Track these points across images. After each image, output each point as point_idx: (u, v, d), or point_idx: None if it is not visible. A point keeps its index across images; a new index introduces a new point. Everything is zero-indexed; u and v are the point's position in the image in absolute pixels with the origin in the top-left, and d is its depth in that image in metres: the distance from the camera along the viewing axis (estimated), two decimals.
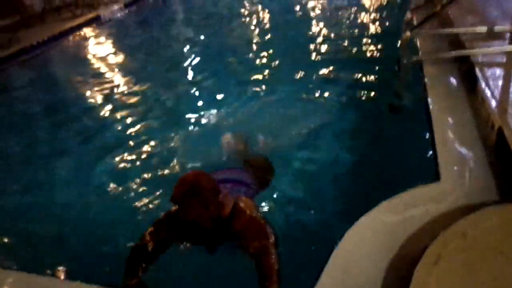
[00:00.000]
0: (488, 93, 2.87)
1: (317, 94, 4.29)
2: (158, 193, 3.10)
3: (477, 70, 3.22)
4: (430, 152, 2.56)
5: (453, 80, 3.40)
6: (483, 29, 3.79)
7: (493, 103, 2.72)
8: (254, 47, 6.46)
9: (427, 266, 1.68)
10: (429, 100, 3.13)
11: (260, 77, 5.15)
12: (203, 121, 4.30)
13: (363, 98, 4.00)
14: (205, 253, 2.22)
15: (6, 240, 2.91)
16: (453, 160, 2.44)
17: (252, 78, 5.11)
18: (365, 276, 1.82)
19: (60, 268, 2.47)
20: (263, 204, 2.65)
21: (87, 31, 8.47)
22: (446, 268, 1.66)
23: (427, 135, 2.78)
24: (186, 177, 2.09)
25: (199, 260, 2.32)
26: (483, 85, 2.98)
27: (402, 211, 2.15)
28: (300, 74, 4.90)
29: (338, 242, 1.99)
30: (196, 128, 4.21)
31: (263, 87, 4.84)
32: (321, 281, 1.81)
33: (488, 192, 2.18)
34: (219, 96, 4.86)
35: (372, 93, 4.05)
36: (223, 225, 2.12)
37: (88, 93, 5.63)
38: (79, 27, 8.48)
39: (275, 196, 2.80)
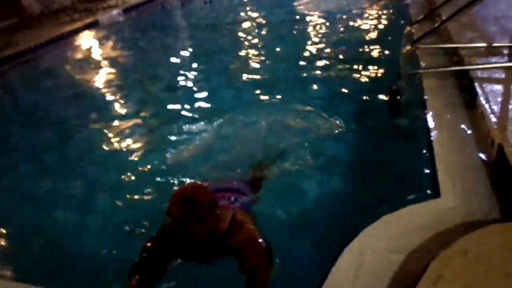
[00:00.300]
0: (487, 109, 2.86)
1: (315, 107, 4.25)
2: (156, 203, 3.04)
3: (476, 85, 3.21)
4: (430, 168, 2.53)
5: (453, 95, 3.39)
6: (482, 44, 3.82)
7: (493, 119, 2.71)
8: (252, 56, 6.46)
9: (427, 286, 1.64)
10: (429, 115, 3.12)
11: (257, 87, 5.13)
12: (201, 128, 4.27)
13: (362, 111, 3.97)
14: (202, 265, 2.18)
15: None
16: (453, 177, 2.41)
17: (249, 87, 5.12)
18: None
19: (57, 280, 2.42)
20: (261, 215, 2.60)
21: (85, 36, 8.46)
22: (447, 287, 1.63)
23: (427, 151, 2.76)
24: (183, 190, 2.05)
25: (196, 271, 2.27)
26: (482, 101, 2.97)
27: (402, 227, 2.11)
28: (298, 85, 4.90)
29: (337, 258, 1.95)
30: (194, 135, 4.15)
31: (261, 97, 4.82)
32: None
33: (488, 209, 2.15)
34: (217, 103, 4.85)
35: (371, 107, 4.03)
36: (220, 239, 2.07)
37: (84, 97, 5.61)
38: (77, 31, 8.49)
39: (272, 209, 2.75)
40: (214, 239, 2.04)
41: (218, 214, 2.06)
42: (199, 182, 2.79)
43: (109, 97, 5.53)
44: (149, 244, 2.17)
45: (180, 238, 2.03)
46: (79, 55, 7.54)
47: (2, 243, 2.97)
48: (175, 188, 3.15)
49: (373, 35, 6.61)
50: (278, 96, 4.68)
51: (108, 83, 6.02)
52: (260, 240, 2.11)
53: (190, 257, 2.21)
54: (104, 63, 7.02)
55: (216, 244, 2.08)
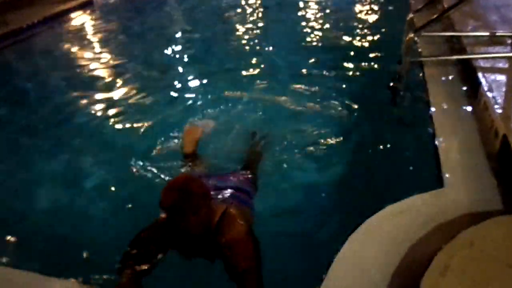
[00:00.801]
0: (491, 99, 2.83)
1: (314, 95, 4.21)
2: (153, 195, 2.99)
3: (479, 75, 3.18)
4: (433, 158, 2.51)
5: (455, 84, 3.37)
6: (485, 33, 3.78)
7: (497, 110, 2.68)
8: (251, 42, 6.36)
9: (434, 277, 1.63)
10: (431, 104, 3.09)
11: (256, 74, 5.07)
12: (196, 113, 4.21)
13: (362, 101, 3.92)
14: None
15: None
16: (457, 167, 2.40)
17: (247, 75, 5.02)
18: (369, 283, 1.77)
19: (51, 266, 2.38)
20: (259, 209, 2.56)
21: (79, 15, 8.28)
22: (454, 279, 1.61)
23: (429, 140, 2.73)
24: (175, 181, 2.01)
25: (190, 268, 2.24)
26: (486, 91, 2.95)
27: (406, 217, 2.10)
28: (298, 75, 4.81)
29: (340, 248, 1.93)
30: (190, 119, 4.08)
31: (259, 84, 4.74)
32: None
33: (492, 200, 2.14)
34: (212, 87, 4.78)
35: (372, 95, 3.98)
36: (211, 234, 2.02)
37: (77, 79, 5.51)
38: (71, 10, 8.29)
39: (273, 199, 2.73)
40: (205, 233, 2.00)
41: (211, 207, 2.02)
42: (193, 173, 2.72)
43: (103, 78, 5.43)
44: (140, 235, 2.11)
45: (172, 231, 1.99)
46: (72, 35, 7.37)
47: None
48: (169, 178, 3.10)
49: (373, 21, 6.54)
50: (277, 83, 4.62)
51: (102, 64, 5.90)
52: (249, 241, 2.03)
53: (183, 251, 2.16)
54: (98, 43, 6.89)
55: (207, 239, 2.03)
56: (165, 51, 6.26)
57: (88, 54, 6.36)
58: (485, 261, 1.68)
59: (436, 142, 2.63)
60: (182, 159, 3.17)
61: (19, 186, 3.35)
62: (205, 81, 5.01)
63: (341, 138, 3.36)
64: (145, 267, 2.01)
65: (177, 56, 6.15)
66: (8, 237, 2.76)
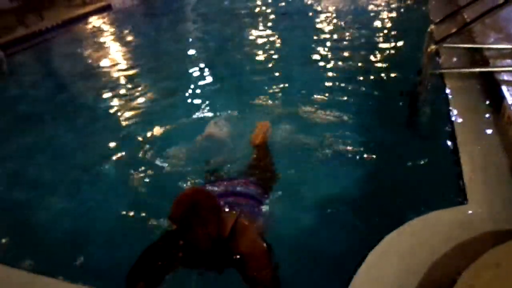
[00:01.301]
0: None
1: (330, 105, 4.14)
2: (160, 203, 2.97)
3: (503, 88, 3.12)
4: (455, 173, 2.45)
5: (477, 97, 3.30)
6: (508, 46, 3.72)
7: None
8: (266, 49, 6.35)
9: None
10: (453, 117, 3.03)
11: (271, 81, 5.02)
12: (208, 119, 4.19)
13: (381, 113, 3.84)
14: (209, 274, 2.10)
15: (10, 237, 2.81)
16: (480, 183, 2.33)
17: (262, 82, 4.97)
18: None
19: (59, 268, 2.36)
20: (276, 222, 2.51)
21: (97, 19, 8.37)
22: None
23: (451, 155, 2.67)
24: (184, 194, 1.99)
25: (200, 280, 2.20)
26: (510, 104, 2.89)
27: (427, 233, 2.04)
28: (312, 85, 4.75)
29: (360, 264, 1.89)
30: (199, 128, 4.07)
31: (274, 93, 4.71)
32: None
33: None
34: (225, 95, 4.77)
35: (391, 108, 3.90)
36: (223, 246, 1.99)
37: (94, 81, 5.57)
38: (89, 14, 8.40)
39: (289, 212, 2.67)
40: (215, 246, 1.97)
41: (221, 220, 1.99)
42: (204, 184, 2.68)
43: (118, 81, 5.49)
44: (150, 250, 2.08)
45: (182, 245, 1.97)
46: (90, 39, 7.47)
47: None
48: (181, 184, 3.09)
49: (392, 32, 6.48)
50: (291, 93, 4.60)
51: (118, 69, 5.97)
52: (264, 251, 2.01)
53: (193, 265, 2.12)
54: (115, 47, 6.96)
55: (218, 252, 2.00)
56: (180, 56, 6.30)
57: (105, 58, 6.43)
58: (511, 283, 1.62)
59: (458, 156, 2.56)
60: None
61: (26, 185, 3.38)
62: (218, 86, 5.02)
63: (360, 151, 3.29)
64: (154, 283, 1.99)
65: (191, 60, 6.18)
66: (13, 238, 2.77)
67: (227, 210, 2.18)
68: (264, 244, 2.05)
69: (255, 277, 1.92)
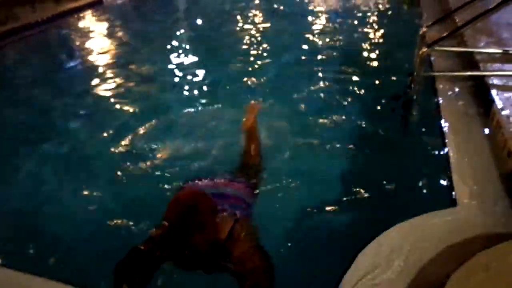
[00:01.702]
0: (504, 118, 2.80)
1: (321, 108, 4.14)
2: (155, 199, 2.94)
3: (492, 92, 3.15)
4: (445, 176, 2.47)
5: (467, 101, 3.33)
6: (498, 50, 3.76)
7: (510, 129, 2.65)
8: (259, 47, 6.34)
9: None
10: (443, 121, 3.05)
11: (263, 82, 5.00)
12: (198, 117, 4.18)
13: (372, 115, 3.84)
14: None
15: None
16: (470, 186, 2.35)
17: (254, 82, 4.94)
18: None
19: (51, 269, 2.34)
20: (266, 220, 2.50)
21: (89, 14, 8.29)
22: None
23: (441, 158, 2.69)
24: (183, 196, 1.95)
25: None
26: (499, 109, 2.91)
27: (416, 236, 2.05)
28: (303, 82, 4.75)
29: (348, 267, 1.88)
30: (192, 125, 4.05)
31: (264, 91, 4.69)
32: None
33: (505, 221, 2.10)
34: (216, 92, 4.75)
35: (381, 109, 3.92)
36: (219, 250, 1.96)
37: (84, 75, 5.54)
38: (81, 9, 8.29)
39: (279, 212, 2.67)
40: (211, 250, 1.93)
41: (217, 224, 1.96)
42: (198, 183, 2.62)
43: (109, 76, 5.40)
44: (139, 247, 2.03)
45: (175, 246, 1.91)
46: (81, 34, 7.37)
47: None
48: (171, 182, 3.07)
49: (384, 35, 6.50)
50: (281, 92, 4.58)
51: (109, 63, 5.90)
52: (260, 256, 1.99)
53: (185, 265, 2.07)
54: (107, 41, 6.88)
55: (214, 256, 1.97)
56: (171, 50, 6.27)
57: (96, 52, 6.35)
58: (501, 285, 1.63)
59: (448, 160, 2.58)
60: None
61: (22, 184, 3.31)
62: (211, 84, 4.98)
63: (349, 152, 3.29)
64: (141, 282, 1.96)
65: (183, 55, 6.14)
66: (9, 238, 2.72)
67: (223, 214, 2.14)
68: (261, 251, 2.03)
69: (252, 284, 1.89)
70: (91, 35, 7.17)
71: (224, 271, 1.98)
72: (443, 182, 2.45)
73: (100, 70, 5.65)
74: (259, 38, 6.65)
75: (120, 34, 7.32)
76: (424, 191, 2.60)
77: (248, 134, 3.21)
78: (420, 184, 2.71)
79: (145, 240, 2.08)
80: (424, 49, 3.49)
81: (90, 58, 6.16)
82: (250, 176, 2.84)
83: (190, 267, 2.04)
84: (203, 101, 4.51)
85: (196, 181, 2.67)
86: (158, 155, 3.53)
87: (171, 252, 1.97)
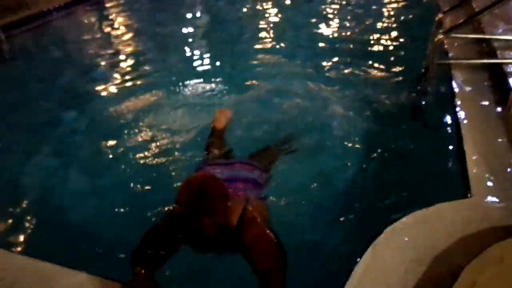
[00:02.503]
0: None
1: (334, 94, 4.09)
2: (167, 182, 2.95)
3: (510, 80, 3.07)
4: (460, 165, 2.41)
5: (484, 89, 3.24)
6: None
7: None
8: (270, 33, 6.27)
9: None
10: (458, 109, 2.98)
11: (272, 67, 4.96)
12: (210, 102, 4.17)
13: (386, 105, 3.77)
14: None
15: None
16: (485, 176, 2.29)
17: (265, 74, 4.84)
18: None
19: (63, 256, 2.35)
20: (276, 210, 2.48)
21: (99, 2, 8.29)
22: None
23: (456, 147, 2.62)
24: (193, 180, 1.91)
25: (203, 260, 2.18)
26: None
27: (430, 226, 2.01)
28: (314, 72, 4.69)
29: (360, 257, 1.85)
30: (202, 113, 4.02)
31: (275, 77, 4.64)
32: None
33: None
34: (227, 79, 4.71)
35: (395, 99, 3.81)
36: (230, 235, 1.95)
37: (93, 64, 5.55)
38: None
39: (292, 202, 2.63)
40: (221, 235, 1.92)
41: (228, 208, 1.94)
42: (212, 166, 2.60)
43: (119, 66, 5.44)
44: (154, 230, 2.05)
45: (185, 229, 1.92)
46: (91, 23, 7.39)
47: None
48: (183, 165, 3.08)
49: (398, 21, 6.35)
50: (294, 79, 4.51)
51: (118, 52, 5.94)
52: (272, 241, 1.96)
53: (197, 248, 2.07)
54: (116, 30, 6.89)
55: (225, 241, 1.96)
56: (181, 41, 6.24)
57: (105, 41, 6.38)
58: None
59: (463, 149, 2.52)
60: (209, 136, 3.20)
61: (31, 174, 3.33)
62: (220, 73, 4.94)
63: (364, 142, 3.23)
64: (158, 264, 1.97)
65: (193, 47, 6.10)
66: (21, 227, 2.75)
67: (235, 198, 2.12)
68: (272, 235, 2.00)
69: (263, 269, 1.89)
70: (101, 23, 7.18)
71: (237, 253, 1.98)
72: (458, 172, 2.39)
73: (109, 58, 5.67)
74: (272, 29, 6.54)
75: (130, 21, 7.33)
76: (438, 181, 2.54)
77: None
78: (434, 173, 2.66)
79: (158, 223, 2.09)
80: (440, 36, 3.41)
81: (99, 46, 6.17)
82: (264, 160, 2.83)
83: (202, 250, 2.05)
84: (214, 89, 4.48)
85: (211, 164, 2.66)
86: (173, 140, 3.55)
87: (183, 236, 1.97)
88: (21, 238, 2.69)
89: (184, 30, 6.80)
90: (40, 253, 2.12)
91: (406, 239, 1.95)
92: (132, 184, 3.08)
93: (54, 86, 4.94)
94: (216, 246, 2.01)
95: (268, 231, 2.00)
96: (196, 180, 1.91)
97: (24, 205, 2.98)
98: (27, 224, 2.80)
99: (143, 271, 1.88)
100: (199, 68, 5.22)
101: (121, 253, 2.33)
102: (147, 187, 3.05)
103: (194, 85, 4.65)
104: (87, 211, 2.87)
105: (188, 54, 5.82)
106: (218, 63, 5.32)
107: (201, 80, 4.71)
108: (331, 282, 1.83)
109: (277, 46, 5.68)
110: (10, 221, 2.84)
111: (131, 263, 1.94)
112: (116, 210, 2.84)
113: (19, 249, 2.55)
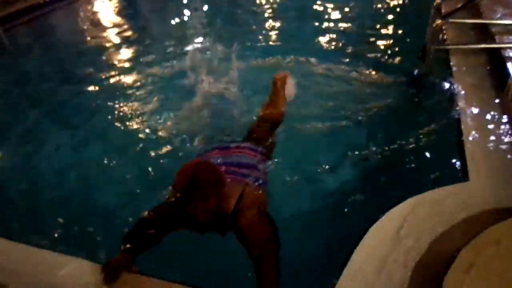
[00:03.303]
0: None
1: (333, 80, 4.08)
2: (164, 169, 2.97)
3: (508, 65, 3.07)
4: (458, 150, 2.42)
5: (482, 74, 3.24)
6: None
7: None
8: (271, 24, 6.22)
9: (458, 274, 1.58)
10: (457, 94, 2.99)
11: (272, 55, 4.92)
12: (210, 88, 4.12)
13: (384, 87, 3.79)
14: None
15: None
16: (482, 161, 2.31)
17: (265, 55, 4.84)
18: (389, 277, 1.72)
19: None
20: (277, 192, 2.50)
21: None
22: (479, 277, 1.56)
23: (454, 132, 2.64)
24: (187, 166, 1.97)
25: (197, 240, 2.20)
26: None
27: (428, 210, 2.03)
28: (315, 59, 4.62)
29: (359, 241, 1.88)
30: (202, 99, 4.00)
31: (274, 66, 4.59)
32: (341, 281, 1.72)
33: None
34: (227, 67, 4.68)
35: (394, 83, 3.82)
36: (226, 219, 2.00)
37: (92, 56, 5.50)
38: None
39: (288, 189, 2.66)
40: (216, 220, 1.98)
41: (223, 194, 1.99)
42: (212, 152, 2.62)
43: (117, 57, 5.43)
44: (149, 214, 2.11)
45: (182, 215, 1.98)
46: (89, 13, 7.34)
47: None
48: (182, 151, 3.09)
49: (396, 5, 6.32)
50: (294, 65, 4.50)
51: (117, 43, 5.91)
52: (267, 227, 2.01)
53: (195, 230, 2.14)
54: (115, 22, 6.84)
55: (220, 224, 2.01)
56: (182, 31, 6.18)
57: (104, 32, 6.33)
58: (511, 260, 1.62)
59: (461, 134, 2.53)
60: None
61: (31, 161, 3.37)
62: (222, 65, 4.91)
63: (363, 128, 3.26)
64: (147, 243, 2.02)
65: (193, 37, 6.04)
66: (21, 214, 2.78)
67: (231, 184, 2.14)
68: (268, 221, 2.05)
69: (258, 253, 1.92)
70: (99, 15, 7.14)
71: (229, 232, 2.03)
72: (456, 157, 2.40)
73: (107, 49, 5.65)
74: (274, 20, 6.46)
75: (129, 12, 7.29)
76: (436, 165, 2.56)
77: (278, 88, 3.20)
78: (432, 158, 2.68)
79: (153, 209, 2.14)
80: (438, 21, 3.40)
81: (97, 37, 6.14)
82: (265, 143, 2.83)
83: (200, 231, 2.10)
84: (218, 75, 4.45)
85: (211, 150, 2.68)
86: (173, 126, 3.55)
87: (180, 220, 2.03)
88: (21, 227, 2.71)
89: (187, 20, 6.75)
90: (40, 241, 2.15)
91: (405, 223, 1.97)
92: (131, 169, 3.13)
93: (52, 78, 4.93)
94: (213, 229, 2.05)
95: (264, 217, 2.04)
96: (190, 167, 1.96)
97: (23, 194, 3.01)
98: (26, 213, 2.82)
99: (126, 250, 1.93)
100: (200, 58, 5.18)
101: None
102: (148, 177, 3.07)
103: (195, 75, 4.63)
104: (88, 200, 2.91)
105: (189, 45, 5.77)
106: (221, 56, 5.27)
107: (203, 70, 4.70)
108: (330, 266, 1.85)
109: (279, 29, 5.69)
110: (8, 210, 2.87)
111: (122, 240, 1.99)
112: (113, 195, 2.89)
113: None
